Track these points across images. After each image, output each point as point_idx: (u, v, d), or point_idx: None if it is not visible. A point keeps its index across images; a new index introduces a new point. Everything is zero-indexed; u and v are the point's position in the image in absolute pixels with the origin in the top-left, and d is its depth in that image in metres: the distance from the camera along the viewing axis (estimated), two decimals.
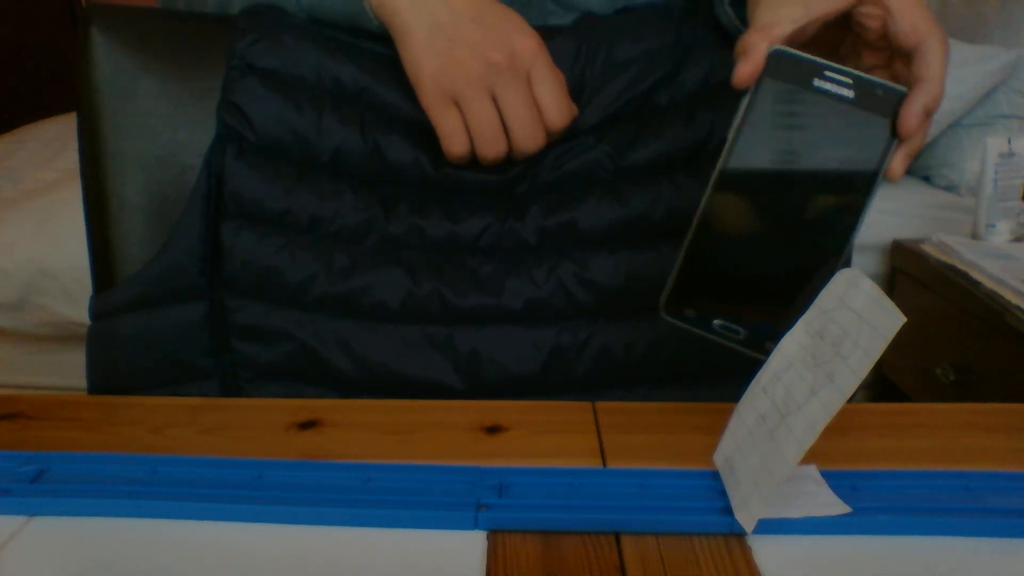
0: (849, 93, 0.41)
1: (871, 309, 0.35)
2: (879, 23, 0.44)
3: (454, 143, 0.53)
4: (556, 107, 0.53)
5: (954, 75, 1.94)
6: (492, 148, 0.53)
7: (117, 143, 0.59)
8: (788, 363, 0.38)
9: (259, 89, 0.56)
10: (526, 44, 0.52)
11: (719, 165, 0.43)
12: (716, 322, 0.43)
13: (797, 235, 0.43)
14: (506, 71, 0.52)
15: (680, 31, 0.56)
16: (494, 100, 0.53)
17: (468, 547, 0.36)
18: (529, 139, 0.53)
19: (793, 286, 0.42)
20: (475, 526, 0.37)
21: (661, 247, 0.56)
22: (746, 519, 0.36)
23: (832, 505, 0.37)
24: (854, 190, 0.42)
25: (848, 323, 0.36)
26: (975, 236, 1.46)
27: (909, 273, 1.51)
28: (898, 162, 0.42)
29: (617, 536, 0.37)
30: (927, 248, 1.46)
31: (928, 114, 0.42)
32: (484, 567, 0.34)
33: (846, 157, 0.42)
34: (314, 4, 0.58)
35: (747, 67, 0.42)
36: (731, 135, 0.42)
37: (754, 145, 0.42)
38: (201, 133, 0.58)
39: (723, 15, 0.54)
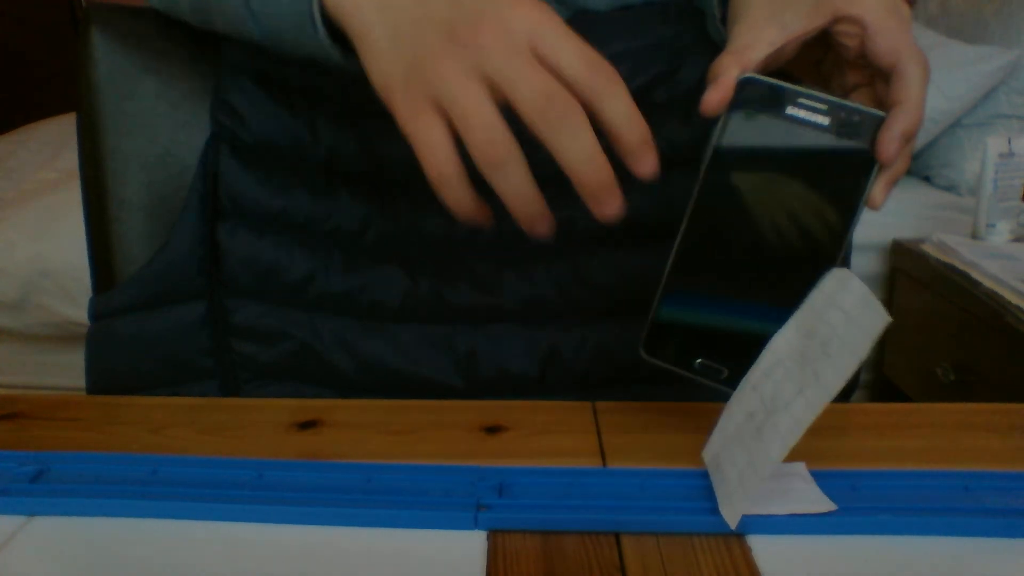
0: (824, 120, 0.39)
1: (859, 309, 0.35)
2: (857, 42, 0.42)
3: (433, 154, 0.37)
4: (587, 71, 0.36)
5: (954, 75, 1.95)
6: (489, 143, 0.36)
7: (117, 143, 0.59)
8: (777, 361, 0.38)
9: (252, 88, 0.56)
10: (521, 11, 0.37)
11: (692, 197, 0.41)
12: (698, 361, 0.41)
13: (777, 269, 0.41)
14: (500, 49, 0.36)
15: (677, 29, 0.56)
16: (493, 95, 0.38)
17: (468, 547, 0.36)
18: (563, 124, 0.36)
19: (775, 321, 0.39)
20: (475, 526, 0.37)
21: (659, 246, 0.56)
22: (730, 515, 0.36)
23: (818, 502, 0.37)
24: (834, 221, 0.40)
25: (836, 323, 0.35)
26: (975, 236, 1.46)
27: (909, 273, 1.51)
28: (879, 190, 0.40)
29: (617, 536, 0.37)
30: (927, 248, 1.46)
31: (907, 139, 0.40)
32: (484, 567, 0.34)
33: (825, 186, 0.40)
34: (268, 28, 0.47)
35: (715, 95, 0.40)
36: (703, 166, 0.40)
37: (728, 175, 0.40)
38: (200, 133, 0.58)
39: (715, 32, 0.53)
